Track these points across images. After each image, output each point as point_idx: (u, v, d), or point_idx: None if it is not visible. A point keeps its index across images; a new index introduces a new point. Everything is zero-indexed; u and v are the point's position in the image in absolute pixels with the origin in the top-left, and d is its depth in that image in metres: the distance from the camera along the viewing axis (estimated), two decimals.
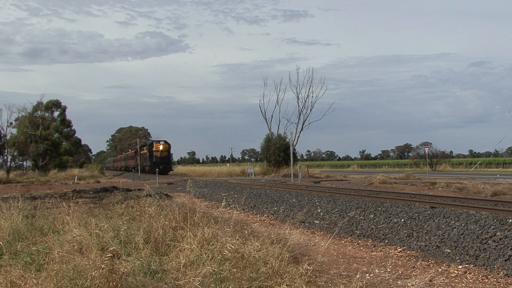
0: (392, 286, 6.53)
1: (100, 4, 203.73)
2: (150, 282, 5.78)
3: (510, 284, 6.41)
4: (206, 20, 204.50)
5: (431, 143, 64.45)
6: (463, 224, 8.74)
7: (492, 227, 8.18)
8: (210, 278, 5.79)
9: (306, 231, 11.34)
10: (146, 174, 57.55)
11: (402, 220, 10.16)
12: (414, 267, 7.55)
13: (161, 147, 56.84)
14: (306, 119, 51.25)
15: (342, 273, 7.11)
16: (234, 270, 5.98)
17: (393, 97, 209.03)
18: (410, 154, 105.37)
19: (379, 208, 11.44)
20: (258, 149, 62.22)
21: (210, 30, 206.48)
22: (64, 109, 72.47)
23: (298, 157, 58.21)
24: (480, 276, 6.85)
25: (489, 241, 7.80)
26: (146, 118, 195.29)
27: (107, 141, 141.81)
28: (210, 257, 6.46)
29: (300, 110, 51.92)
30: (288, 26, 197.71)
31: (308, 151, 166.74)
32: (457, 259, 7.73)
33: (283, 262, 6.36)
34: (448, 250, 8.12)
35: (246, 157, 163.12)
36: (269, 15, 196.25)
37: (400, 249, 8.83)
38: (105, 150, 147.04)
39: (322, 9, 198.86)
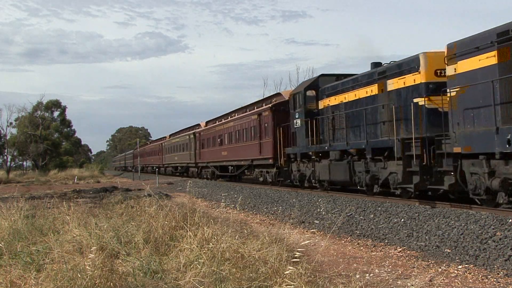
0: (392, 286, 6.53)
1: (99, 4, 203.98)
2: (150, 282, 5.79)
3: (510, 284, 6.40)
4: (205, 20, 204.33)
5: None
6: (463, 224, 8.73)
7: (492, 227, 8.18)
8: (210, 278, 5.79)
9: (306, 231, 11.33)
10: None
11: (402, 220, 10.16)
12: (414, 267, 7.55)
13: None
14: None
15: (342, 273, 7.11)
16: (234, 270, 5.98)
17: None
18: None
19: (379, 208, 11.44)
20: None
21: (209, 30, 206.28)
22: (64, 109, 72.61)
23: None
24: (480, 276, 6.84)
25: (489, 241, 7.79)
26: (146, 118, 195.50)
27: (107, 141, 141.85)
28: (210, 257, 6.46)
29: None
30: (287, 26, 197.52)
31: None
32: (457, 259, 7.72)
33: (282, 262, 6.36)
34: (448, 250, 8.12)
35: None
36: (268, 15, 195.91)
37: (400, 249, 8.82)
38: (105, 150, 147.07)
39: (321, 10, 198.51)
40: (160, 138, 53.42)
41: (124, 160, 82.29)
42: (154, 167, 53.93)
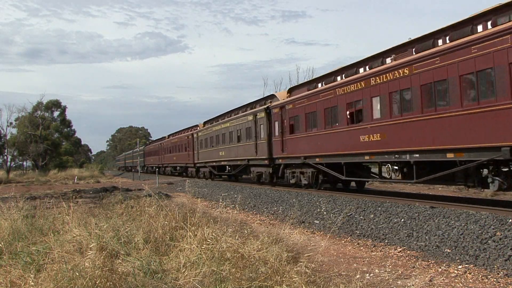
0: (392, 286, 6.53)
1: (99, 4, 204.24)
2: (150, 282, 5.79)
3: (510, 284, 6.41)
4: (205, 20, 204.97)
5: None
6: (463, 224, 8.73)
7: (492, 227, 8.18)
8: (210, 278, 5.79)
9: (306, 231, 11.33)
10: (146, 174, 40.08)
11: (402, 220, 10.16)
12: (414, 267, 7.55)
13: None
14: None
15: (342, 272, 7.11)
16: (234, 270, 5.98)
17: None
18: None
19: (379, 208, 11.44)
20: None
21: (209, 30, 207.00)
22: (64, 109, 72.68)
23: None
24: (480, 276, 6.84)
25: (489, 241, 7.79)
26: (146, 118, 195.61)
27: (107, 141, 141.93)
28: (210, 257, 6.46)
29: None
30: (287, 26, 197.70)
31: None
32: (457, 259, 7.72)
33: (282, 262, 6.36)
34: (448, 250, 8.12)
35: None
36: (268, 15, 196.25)
37: (400, 249, 8.82)
38: (105, 150, 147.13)
39: (321, 10, 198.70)
40: (187, 128, 39.25)
41: (131, 159, 69.28)
42: (178, 168, 40.97)
